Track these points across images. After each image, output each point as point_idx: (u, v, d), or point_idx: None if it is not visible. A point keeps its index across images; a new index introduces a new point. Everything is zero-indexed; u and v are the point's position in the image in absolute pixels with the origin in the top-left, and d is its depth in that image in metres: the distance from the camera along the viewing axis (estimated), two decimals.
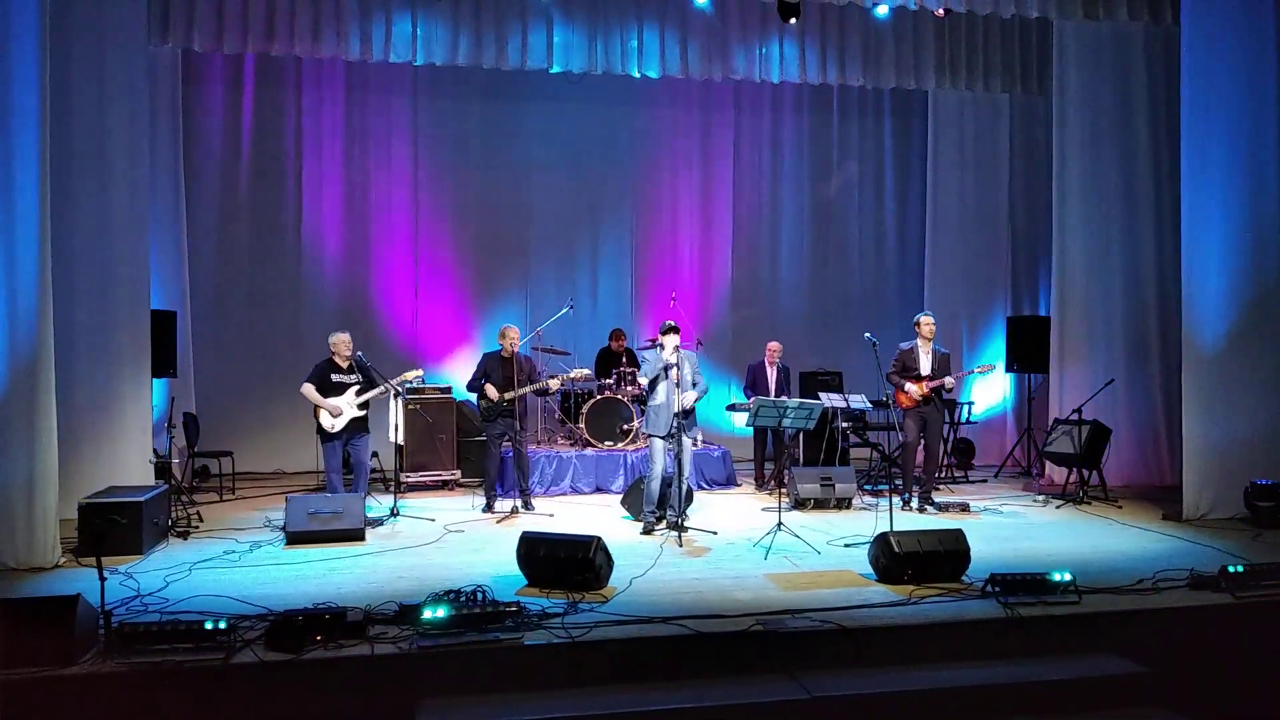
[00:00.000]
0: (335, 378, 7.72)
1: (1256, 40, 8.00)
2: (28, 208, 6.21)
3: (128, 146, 7.79)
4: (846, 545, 6.86)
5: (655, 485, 7.36)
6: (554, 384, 8.54)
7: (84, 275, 7.47)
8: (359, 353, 7.90)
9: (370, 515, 7.53)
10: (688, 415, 7.39)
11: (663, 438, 7.29)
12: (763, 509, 8.33)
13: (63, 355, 6.71)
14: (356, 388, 7.75)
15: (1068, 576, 5.49)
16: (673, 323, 7.55)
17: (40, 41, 6.28)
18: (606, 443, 9.40)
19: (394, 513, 7.86)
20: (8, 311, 6.17)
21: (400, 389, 8.14)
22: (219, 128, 10.26)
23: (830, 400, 8.69)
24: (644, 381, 7.46)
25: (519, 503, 8.15)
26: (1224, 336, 7.96)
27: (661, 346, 7.42)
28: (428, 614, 4.78)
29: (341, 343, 7.83)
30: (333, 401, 7.62)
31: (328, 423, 7.62)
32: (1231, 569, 5.64)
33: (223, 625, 4.58)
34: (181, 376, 9.33)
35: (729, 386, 11.21)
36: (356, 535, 7.00)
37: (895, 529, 6.04)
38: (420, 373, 8.69)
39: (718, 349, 11.33)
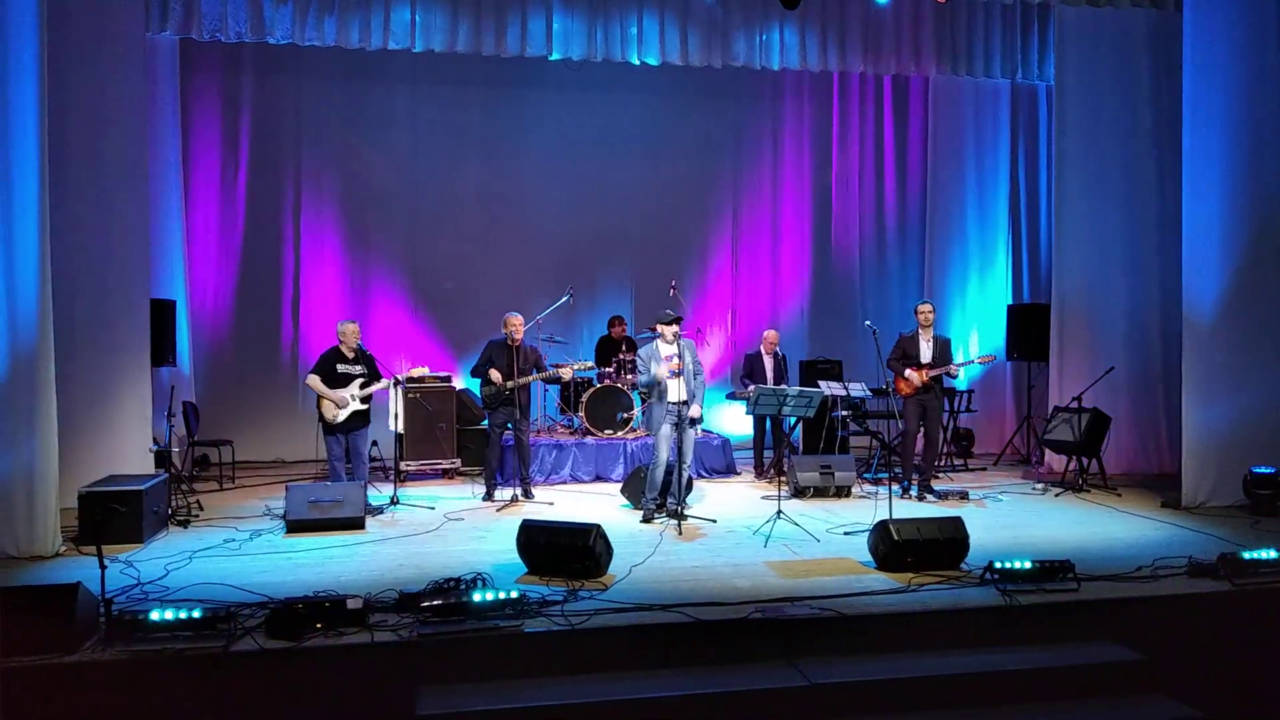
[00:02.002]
0: (341, 368, 7.71)
1: (1258, 26, 7.95)
2: (26, 198, 6.19)
3: (126, 136, 7.75)
4: (846, 533, 6.87)
5: (659, 473, 7.35)
6: (565, 373, 8.54)
7: (83, 265, 7.44)
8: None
9: (370, 504, 7.53)
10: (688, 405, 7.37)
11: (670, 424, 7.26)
12: (762, 497, 8.34)
13: (63, 345, 6.71)
14: (361, 379, 7.75)
15: (1067, 564, 5.50)
16: (672, 312, 7.54)
17: (38, 30, 6.24)
18: (606, 431, 9.40)
19: (394, 501, 7.88)
20: (7, 302, 6.16)
21: (400, 379, 8.14)
22: (218, 116, 10.22)
23: (830, 388, 8.68)
24: (642, 383, 7.41)
25: (519, 491, 8.16)
26: (1223, 322, 7.94)
27: (661, 336, 7.41)
28: (428, 602, 4.79)
29: (350, 332, 7.82)
30: (338, 393, 7.62)
31: (330, 414, 7.62)
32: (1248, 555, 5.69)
33: (223, 613, 4.60)
34: (181, 365, 9.32)
35: (727, 375, 11.21)
36: (356, 524, 7.02)
37: (895, 517, 6.04)
38: (425, 369, 8.72)
39: (717, 337, 11.34)
